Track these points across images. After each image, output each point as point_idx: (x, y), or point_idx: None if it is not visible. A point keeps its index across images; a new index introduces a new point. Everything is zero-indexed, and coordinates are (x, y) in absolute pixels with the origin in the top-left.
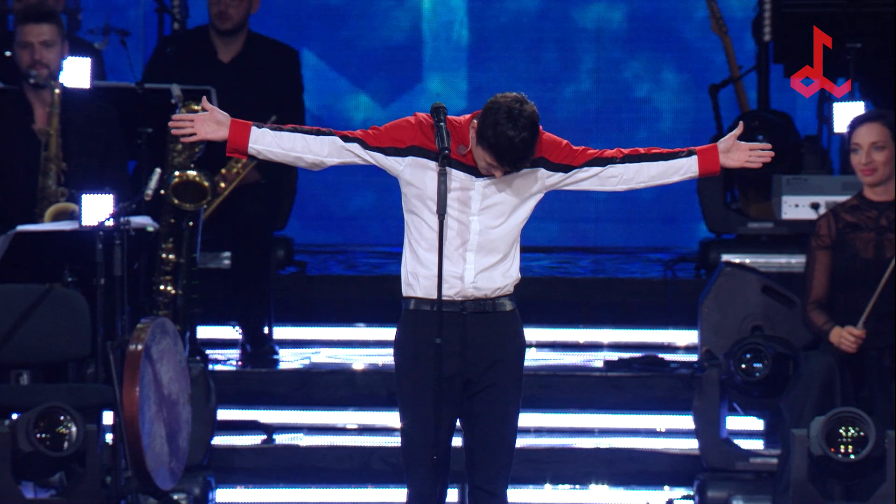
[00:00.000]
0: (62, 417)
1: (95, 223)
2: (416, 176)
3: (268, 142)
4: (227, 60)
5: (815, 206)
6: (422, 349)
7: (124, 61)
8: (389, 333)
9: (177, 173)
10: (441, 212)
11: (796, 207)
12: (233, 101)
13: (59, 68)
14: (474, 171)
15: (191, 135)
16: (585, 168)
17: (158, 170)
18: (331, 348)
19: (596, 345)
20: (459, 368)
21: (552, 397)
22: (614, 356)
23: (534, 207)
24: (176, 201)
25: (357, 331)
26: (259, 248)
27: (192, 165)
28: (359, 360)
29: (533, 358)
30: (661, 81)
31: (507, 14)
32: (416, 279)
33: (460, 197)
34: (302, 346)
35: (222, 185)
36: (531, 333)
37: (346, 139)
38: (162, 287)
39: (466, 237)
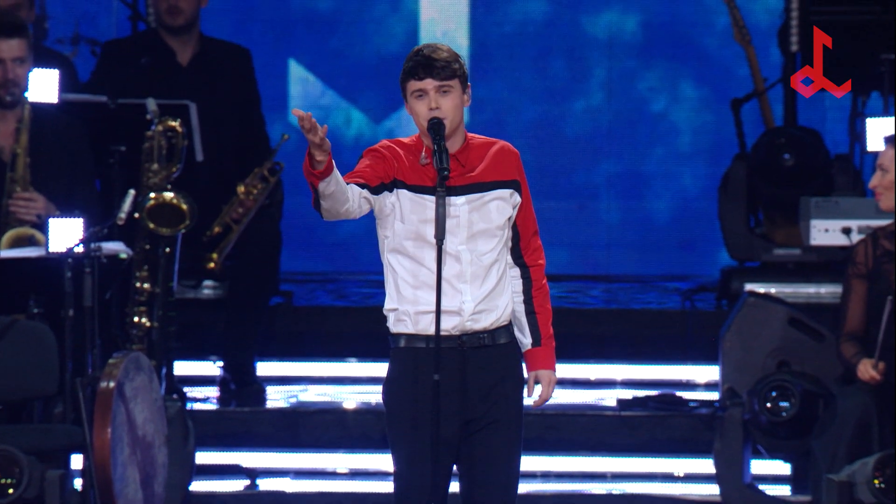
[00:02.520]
0: (7, 461)
1: (63, 249)
2: (401, 209)
3: (337, 173)
4: (186, 63)
5: (846, 231)
6: (419, 388)
7: None
8: (383, 369)
9: (152, 195)
10: (440, 237)
11: (826, 232)
12: (194, 104)
13: (27, 82)
14: (454, 190)
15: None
16: (516, 252)
17: (132, 191)
18: (320, 385)
19: (608, 381)
20: (458, 407)
21: (561, 439)
22: (628, 394)
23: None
24: (151, 225)
25: (348, 366)
26: (261, 276)
27: (169, 187)
28: (350, 398)
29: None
30: (678, 95)
31: (511, 22)
32: (408, 315)
33: (447, 226)
34: (288, 383)
35: (240, 210)
36: None
37: (359, 185)
38: (136, 319)
39: (458, 269)
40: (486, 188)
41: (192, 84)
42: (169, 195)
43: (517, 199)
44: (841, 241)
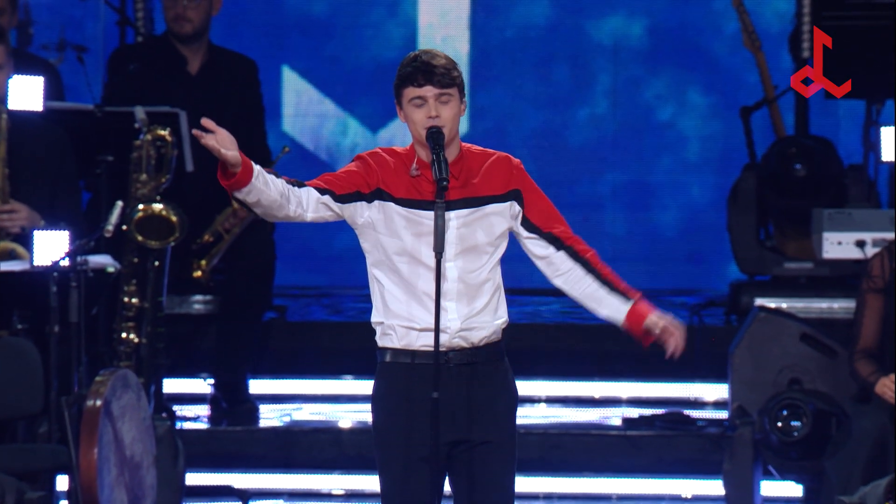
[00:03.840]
0: None
1: (49, 263)
2: (385, 221)
3: (265, 180)
4: (195, 71)
5: (860, 244)
6: (405, 405)
7: (81, 80)
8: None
9: (141, 207)
10: (439, 249)
11: (839, 245)
12: (201, 113)
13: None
14: (431, 205)
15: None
16: (545, 242)
17: (120, 203)
18: (314, 403)
19: (613, 400)
20: (446, 427)
21: (564, 459)
22: (634, 413)
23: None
24: (140, 238)
25: (344, 384)
26: (254, 291)
27: (159, 198)
28: (346, 416)
29: (543, 415)
30: (686, 103)
31: (512, 27)
32: (394, 330)
33: (448, 237)
34: (282, 402)
35: (232, 220)
36: (540, 387)
37: (320, 190)
38: (124, 335)
39: (444, 286)
40: (478, 203)
41: (201, 93)
42: (158, 207)
43: (517, 209)
44: (855, 254)
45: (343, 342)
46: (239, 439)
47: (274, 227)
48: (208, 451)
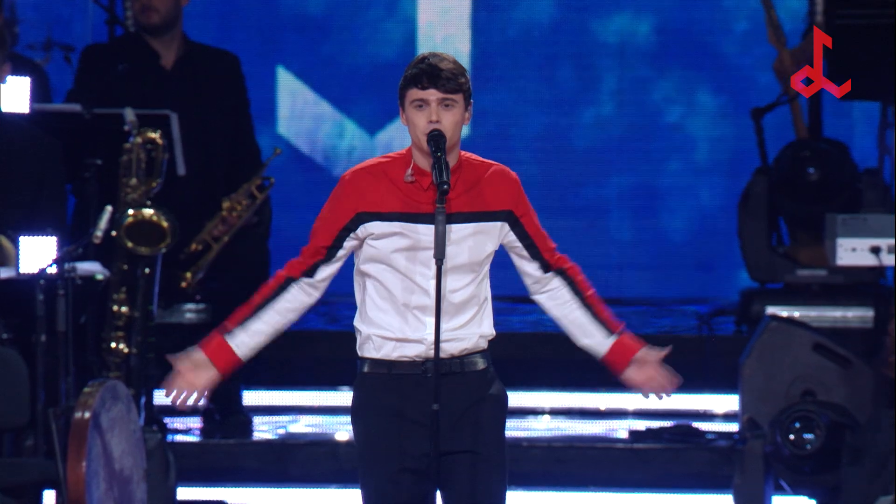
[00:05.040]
0: None
1: (35, 270)
2: (372, 237)
3: (252, 333)
4: (170, 66)
5: (875, 251)
6: (378, 417)
7: (68, 81)
8: None
9: (131, 212)
10: (439, 256)
11: (853, 252)
12: (179, 111)
13: None
14: (434, 218)
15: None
16: (536, 262)
17: (109, 208)
18: (310, 416)
19: (620, 412)
20: (425, 439)
21: (569, 473)
22: (641, 425)
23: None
24: (130, 244)
25: (341, 395)
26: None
27: (149, 203)
28: (343, 429)
29: (547, 427)
30: (695, 104)
31: (515, 26)
32: (371, 339)
33: (419, 257)
34: (277, 414)
35: (221, 227)
36: (544, 398)
37: (309, 273)
38: (113, 345)
39: (425, 301)
40: (473, 219)
41: (177, 89)
42: (148, 212)
43: (507, 230)
44: (869, 260)
45: (340, 352)
46: (232, 452)
47: (268, 234)
48: (200, 465)
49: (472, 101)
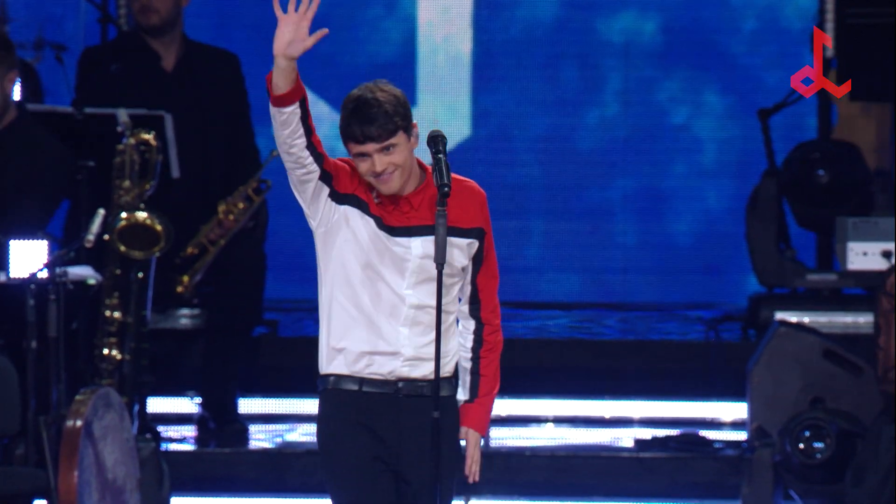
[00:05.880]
0: None
1: (26, 274)
2: (353, 233)
3: (307, 111)
4: (170, 67)
5: (886, 255)
6: (349, 435)
7: (60, 81)
8: None
9: (124, 215)
10: (440, 261)
11: (864, 256)
12: (179, 113)
13: (4, 103)
14: (409, 231)
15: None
16: (473, 301)
17: (102, 211)
18: (308, 424)
19: (625, 420)
20: (392, 460)
21: (573, 483)
22: (647, 433)
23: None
24: (123, 248)
25: None
26: (243, 304)
27: (142, 206)
28: None
29: (550, 436)
30: (701, 105)
31: (517, 25)
32: (339, 353)
33: (396, 264)
34: (273, 422)
35: (217, 231)
36: (547, 406)
37: (311, 147)
38: (106, 351)
39: (400, 310)
40: (433, 233)
41: (177, 90)
42: (142, 215)
43: (475, 248)
44: (881, 265)
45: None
46: (228, 462)
47: (265, 237)
48: (195, 474)
49: (414, 122)
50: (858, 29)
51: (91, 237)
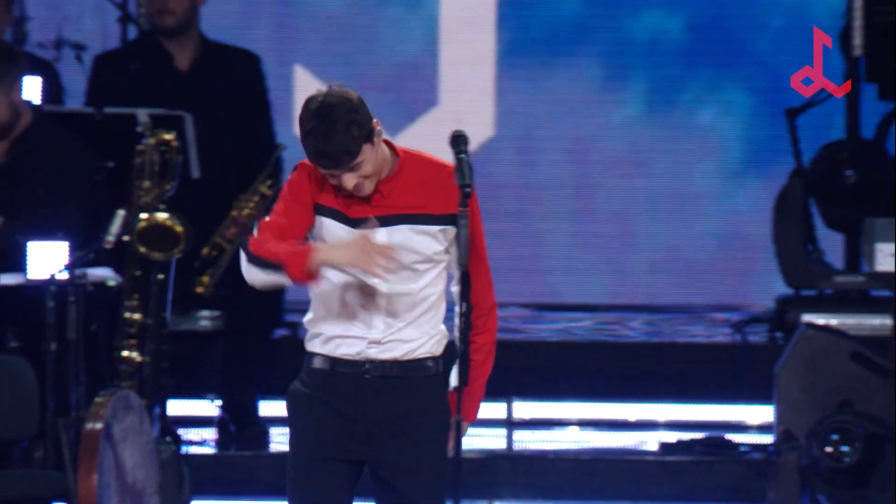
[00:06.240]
0: None
1: (45, 276)
2: (321, 232)
3: None
4: (185, 67)
5: None
6: (316, 412)
7: (79, 81)
8: None
9: (144, 216)
10: (462, 262)
11: (892, 257)
12: (195, 113)
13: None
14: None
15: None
16: (458, 282)
17: (122, 211)
18: None
19: (650, 423)
20: (352, 446)
21: (597, 486)
22: (672, 437)
23: (446, 258)
24: (143, 249)
25: None
26: (263, 306)
27: (163, 206)
28: None
29: (574, 439)
30: (728, 104)
31: (541, 23)
32: (316, 337)
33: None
34: None
35: (233, 230)
36: (571, 409)
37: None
38: (125, 353)
39: (373, 299)
40: (409, 220)
41: (192, 91)
42: (162, 216)
43: (451, 234)
44: None
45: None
46: (248, 465)
47: None
48: (216, 478)
49: (374, 121)
50: (886, 27)
51: (111, 238)
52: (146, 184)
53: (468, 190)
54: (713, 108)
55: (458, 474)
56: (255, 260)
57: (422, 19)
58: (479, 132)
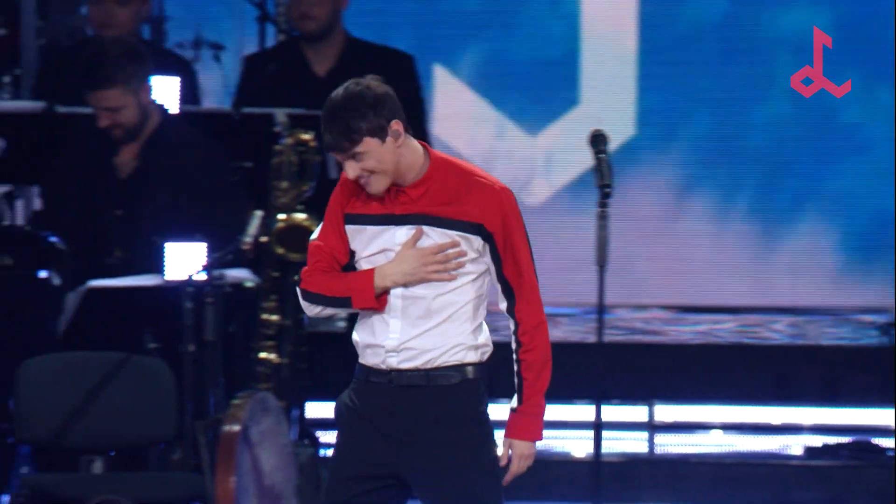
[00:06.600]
0: None
1: (183, 277)
2: (355, 244)
3: None
4: (323, 73)
5: None
6: (353, 420)
7: (217, 80)
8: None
9: (281, 217)
10: (601, 263)
11: None
12: None
13: (142, 115)
14: (399, 219)
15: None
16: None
17: (259, 213)
18: None
19: (794, 427)
20: (386, 458)
21: (740, 491)
22: (817, 441)
23: (486, 269)
24: (280, 251)
25: (496, 408)
26: None
27: (301, 207)
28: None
29: (717, 442)
30: (876, 103)
31: (685, 20)
32: (357, 345)
33: (389, 256)
34: None
35: None
36: (714, 412)
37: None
38: (263, 354)
39: (389, 303)
40: (428, 222)
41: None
42: (300, 217)
43: (478, 244)
44: None
45: (496, 363)
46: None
47: None
48: None
49: (391, 119)
50: None
51: (248, 239)
52: (284, 184)
53: (608, 190)
54: (860, 106)
55: (598, 478)
56: (312, 298)
57: (562, 17)
58: (621, 131)
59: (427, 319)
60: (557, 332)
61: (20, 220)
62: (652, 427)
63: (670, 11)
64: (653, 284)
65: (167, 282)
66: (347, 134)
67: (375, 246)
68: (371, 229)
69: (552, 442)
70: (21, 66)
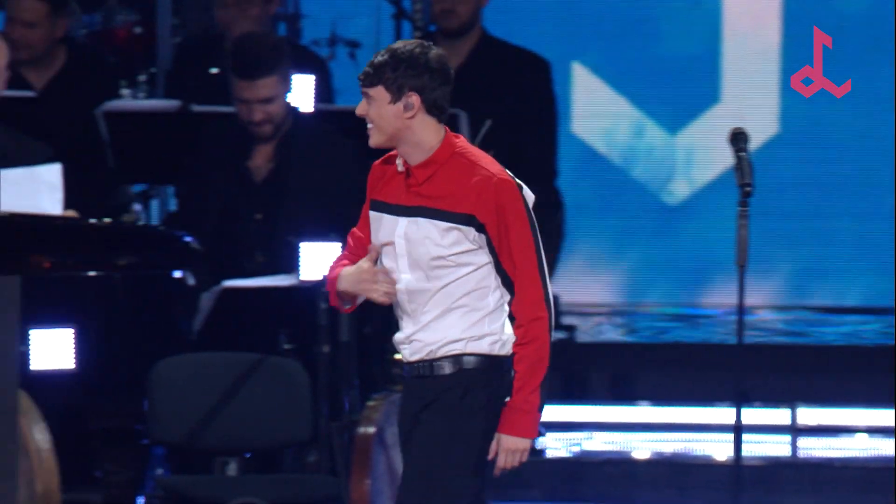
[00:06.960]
0: None
1: (318, 277)
2: (373, 231)
3: None
4: (455, 69)
5: None
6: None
7: (352, 79)
8: (677, 414)
9: None
10: (741, 262)
11: None
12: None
13: (286, 111)
14: (401, 210)
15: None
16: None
17: None
18: (607, 432)
19: None
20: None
21: (886, 496)
22: None
23: (488, 261)
24: None
25: (638, 411)
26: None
27: None
28: (641, 447)
29: (862, 447)
30: None
31: (831, 14)
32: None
33: (396, 249)
34: (569, 430)
35: None
36: (859, 415)
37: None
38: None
39: (399, 297)
40: (428, 214)
41: (455, 94)
42: None
43: (472, 235)
44: None
45: (636, 365)
46: (522, 470)
47: (561, 235)
48: (489, 484)
49: (413, 90)
50: None
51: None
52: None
53: (749, 189)
54: None
55: (738, 482)
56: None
57: (704, 14)
58: (763, 129)
59: (428, 312)
60: (697, 334)
61: (155, 219)
62: (795, 430)
63: (814, 5)
64: (796, 285)
65: (302, 282)
66: (374, 70)
67: (384, 235)
68: (386, 218)
69: (692, 445)
70: (157, 64)
